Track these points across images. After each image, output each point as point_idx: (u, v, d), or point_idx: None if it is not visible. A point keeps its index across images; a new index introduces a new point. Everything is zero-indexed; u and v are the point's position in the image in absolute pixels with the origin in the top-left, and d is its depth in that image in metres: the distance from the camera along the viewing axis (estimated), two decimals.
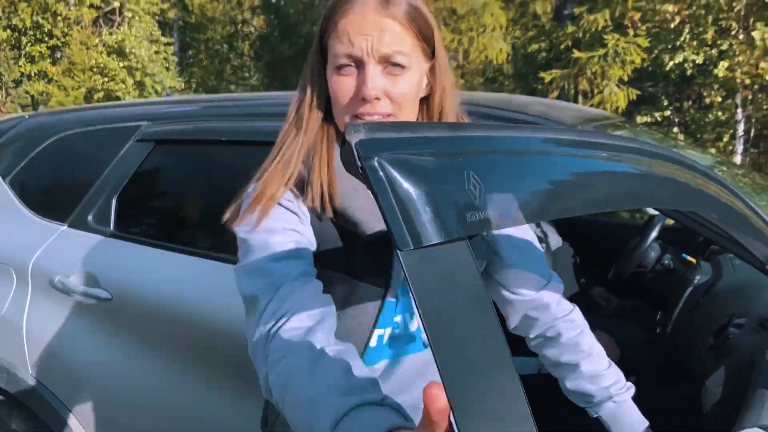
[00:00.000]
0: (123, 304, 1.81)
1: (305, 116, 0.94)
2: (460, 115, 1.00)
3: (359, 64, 0.88)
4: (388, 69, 0.88)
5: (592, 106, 8.51)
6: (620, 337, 2.03)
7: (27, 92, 13.66)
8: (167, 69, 14.50)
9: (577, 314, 1.15)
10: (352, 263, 0.94)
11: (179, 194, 2.08)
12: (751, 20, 7.80)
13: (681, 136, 8.49)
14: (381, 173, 0.51)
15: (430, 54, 0.94)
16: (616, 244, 2.60)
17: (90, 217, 1.94)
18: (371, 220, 0.92)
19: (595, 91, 8.19)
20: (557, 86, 8.27)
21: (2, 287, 1.99)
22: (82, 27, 14.19)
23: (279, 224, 0.89)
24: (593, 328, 2.02)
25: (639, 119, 8.74)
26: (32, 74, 13.87)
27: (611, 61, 7.72)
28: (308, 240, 0.91)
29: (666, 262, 2.31)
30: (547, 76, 8.40)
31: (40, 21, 13.70)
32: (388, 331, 0.99)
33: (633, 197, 0.74)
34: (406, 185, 0.52)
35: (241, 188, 0.97)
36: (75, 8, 13.84)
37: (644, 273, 2.41)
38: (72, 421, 1.93)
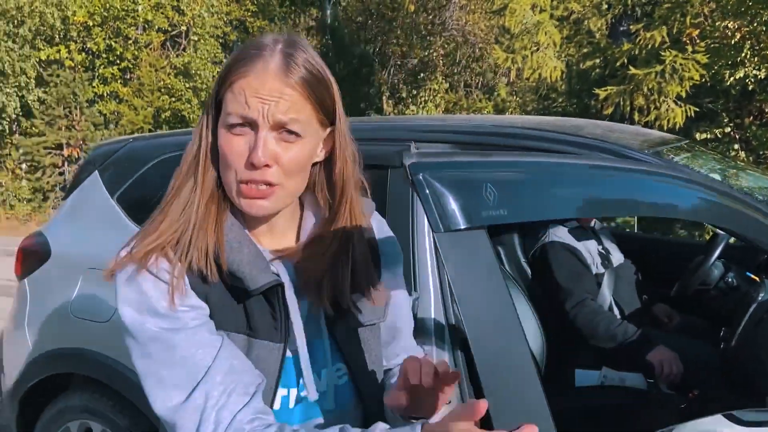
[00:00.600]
0: None
1: (201, 173, 0.89)
2: (358, 178, 0.98)
3: (253, 126, 0.85)
4: (282, 135, 0.86)
5: (647, 122, 8.46)
6: (684, 353, 2.11)
7: (100, 111, 14.46)
8: None
9: None
10: (247, 320, 0.90)
11: None
12: None
13: (742, 154, 8.33)
14: (425, 184, 0.92)
15: (329, 122, 0.92)
16: (678, 261, 2.66)
17: None
18: (256, 274, 0.88)
19: (651, 108, 8.14)
20: (612, 103, 8.25)
21: (112, 294, 2.21)
22: (151, 50, 14.97)
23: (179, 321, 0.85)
24: (657, 343, 2.11)
25: (698, 136, 8.62)
26: (105, 94, 14.69)
27: (669, 77, 7.67)
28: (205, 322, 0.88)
29: (729, 279, 2.37)
30: (602, 93, 8.40)
31: (113, 44, 14.54)
32: (293, 392, 0.94)
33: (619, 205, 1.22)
34: (442, 190, 0.92)
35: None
36: (144, 33, 14.62)
37: (707, 290, 2.48)
38: None
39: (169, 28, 15.42)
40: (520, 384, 0.95)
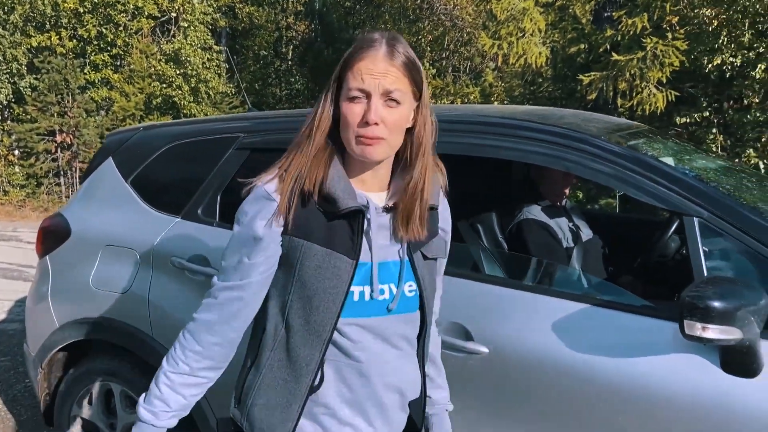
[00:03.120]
0: None
1: (315, 129, 1.24)
2: (434, 142, 1.31)
3: (367, 97, 1.18)
4: (387, 102, 1.18)
5: (630, 107, 8.71)
6: None
7: (92, 98, 14.51)
8: (219, 75, 15.16)
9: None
10: (332, 237, 1.22)
11: None
12: None
13: (720, 138, 8.59)
14: None
15: (419, 96, 1.25)
16: (641, 236, 2.93)
17: (199, 211, 2.38)
18: (347, 199, 1.21)
19: (634, 93, 8.38)
20: (595, 88, 8.48)
21: (129, 267, 2.44)
22: (141, 36, 15.00)
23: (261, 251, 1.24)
24: None
25: (678, 120, 8.88)
26: (96, 81, 14.73)
27: (650, 63, 7.91)
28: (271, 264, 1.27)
29: (684, 251, 2.63)
30: (585, 79, 8.62)
31: (104, 31, 14.55)
32: (367, 289, 1.25)
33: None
34: None
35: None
36: (135, 20, 14.64)
37: (665, 262, 2.75)
38: None
39: (159, 15, 15.43)
40: None
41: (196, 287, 2.27)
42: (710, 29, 7.97)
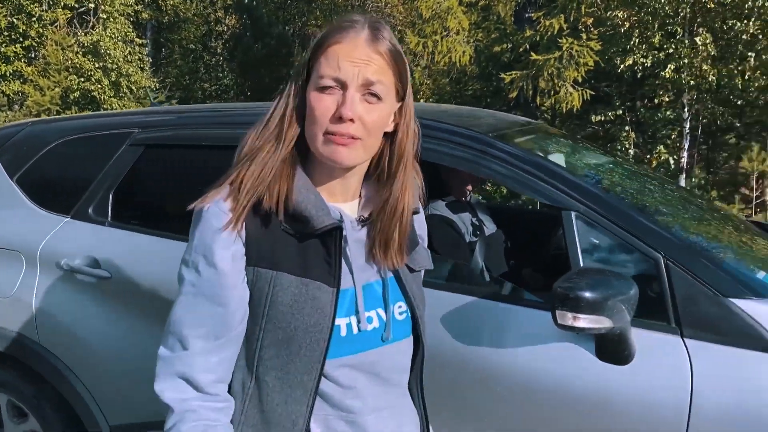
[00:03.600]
0: (120, 282, 2.16)
1: (285, 130, 1.00)
2: (417, 153, 1.10)
3: (342, 87, 0.96)
4: (366, 97, 0.97)
5: (549, 104, 9.01)
6: None
7: (2, 92, 13.71)
8: (142, 69, 14.66)
9: None
10: (304, 262, 1.00)
11: (165, 189, 2.44)
12: (695, 25, 8.35)
13: (633, 134, 8.99)
14: None
15: (402, 96, 1.04)
16: (541, 231, 3.03)
17: (90, 210, 2.29)
18: (322, 216, 0.99)
19: (552, 92, 8.66)
20: (516, 86, 8.72)
21: (13, 270, 2.32)
22: (56, 28, 14.28)
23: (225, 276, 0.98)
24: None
25: (594, 118, 9.24)
26: (7, 74, 13.93)
27: (566, 63, 8.19)
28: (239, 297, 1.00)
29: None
30: (507, 77, 8.85)
31: (15, 22, 13.77)
32: (354, 320, 1.04)
33: None
34: None
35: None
36: (50, 10, 13.93)
37: (561, 254, 2.85)
38: (76, 382, 2.26)
39: (76, 5, 14.75)
40: None
41: (86, 290, 2.19)
42: (623, 31, 8.33)
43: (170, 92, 14.77)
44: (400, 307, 1.09)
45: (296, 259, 1.00)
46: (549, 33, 8.55)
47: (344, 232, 1.03)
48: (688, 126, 8.71)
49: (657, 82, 8.65)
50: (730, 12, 8.18)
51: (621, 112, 9.19)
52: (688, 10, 8.06)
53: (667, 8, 7.92)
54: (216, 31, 18.81)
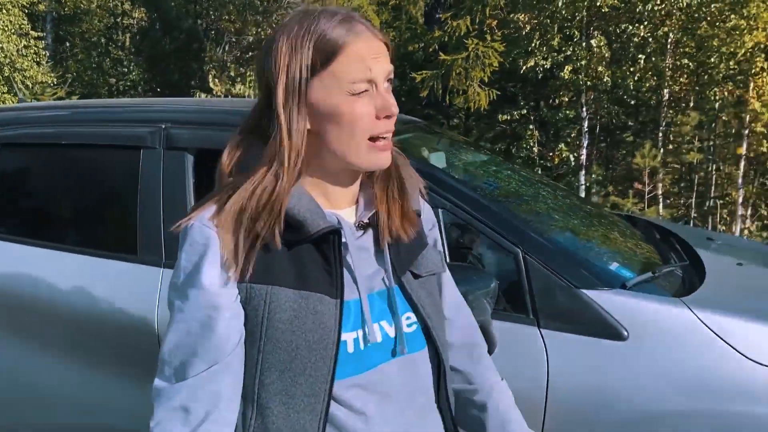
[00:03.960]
0: None
1: (289, 158, 0.89)
2: None
3: (372, 84, 0.91)
4: (386, 86, 0.93)
5: (455, 104, 9.22)
6: None
7: None
8: (38, 64, 13.81)
9: None
10: (299, 269, 0.92)
11: (30, 192, 2.31)
12: (591, 29, 8.79)
13: (537, 133, 9.34)
14: None
15: None
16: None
17: None
18: (317, 219, 0.92)
19: (460, 91, 8.87)
20: (426, 86, 8.86)
21: None
22: None
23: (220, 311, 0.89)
24: None
25: (501, 117, 9.54)
26: None
27: (473, 63, 8.40)
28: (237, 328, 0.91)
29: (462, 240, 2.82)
30: (418, 77, 8.98)
31: None
32: (360, 333, 0.95)
33: None
34: None
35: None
36: None
37: (470, 251, 2.92)
38: None
39: None
40: None
41: None
42: (524, 33, 8.63)
43: (71, 87, 13.99)
44: (408, 318, 0.99)
45: (292, 270, 0.91)
46: (456, 34, 8.74)
47: (343, 238, 0.95)
48: (586, 125, 9.16)
49: (557, 82, 9.04)
50: (623, 16, 8.64)
51: (525, 111, 9.54)
52: (584, 14, 8.45)
53: (564, 12, 8.28)
54: (122, 24, 18.02)
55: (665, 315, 1.70)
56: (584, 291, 1.71)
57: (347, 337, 0.93)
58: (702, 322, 1.67)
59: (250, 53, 14.51)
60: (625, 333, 1.68)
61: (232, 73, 11.61)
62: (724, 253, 2.33)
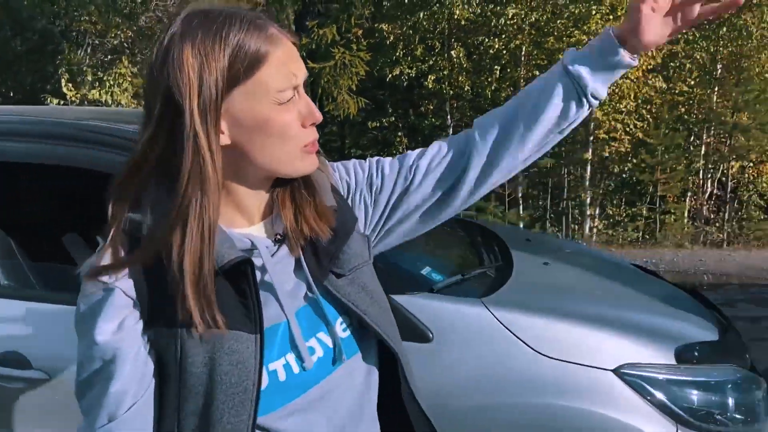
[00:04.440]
0: None
1: (211, 171, 0.80)
2: None
3: (296, 92, 0.85)
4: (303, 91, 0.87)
5: (328, 111, 9.28)
6: None
7: None
8: None
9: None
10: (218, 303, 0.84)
11: None
12: (452, 40, 9.20)
13: (405, 140, 9.61)
14: None
15: None
16: None
17: None
18: (225, 248, 0.83)
19: (330, 99, 8.94)
20: None
21: None
22: None
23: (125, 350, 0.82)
24: None
25: (371, 125, 9.72)
26: None
27: (340, 71, 8.50)
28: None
29: None
30: None
31: None
32: (291, 357, 0.88)
33: None
34: None
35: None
36: None
37: None
38: None
39: None
40: None
41: None
42: (389, 42, 8.86)
43: None
44: (342, 323, 0.94)
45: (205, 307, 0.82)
46: (324, 42, 8.80)
47: (261, 261, 0.87)
48: (452, 132, 9.56)
49: (423, 91, 9.37)
50: (481, 29, 9.12)
51: (394, 118, 9.79)
52: (444, 26, 8.83)
53: (426, 23, 8.60)
54: None
55: (466, 316, 1.81)
56: (392, 296, 1.78)
57: (276, 365, 0.87)
58: (498, 320, 1.80)
59: (112, 56, 13.77)
60: (431, 335, 1.77)
61: (89, 77, 10.90)
62: (536, 253, 2.51)
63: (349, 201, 1.01)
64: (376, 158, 1.07)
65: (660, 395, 1.75)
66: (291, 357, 0.88)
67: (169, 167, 0.80)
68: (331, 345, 0.92)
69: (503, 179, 1.03)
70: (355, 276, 0.94)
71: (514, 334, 1.78)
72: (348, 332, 0.94)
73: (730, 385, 1.86)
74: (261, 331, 0.84)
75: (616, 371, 1.75)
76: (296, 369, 0.88)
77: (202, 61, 0.79)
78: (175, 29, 0.81)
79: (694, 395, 1.80)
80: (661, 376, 1.77)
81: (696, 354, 1.86)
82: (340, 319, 0.93)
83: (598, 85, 0.95)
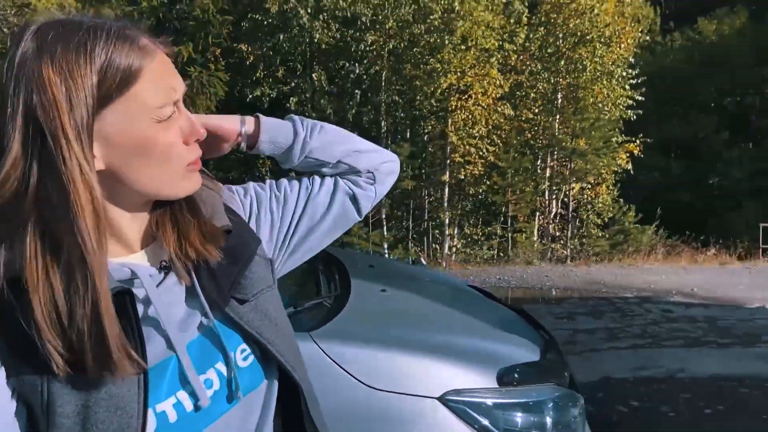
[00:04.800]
0: None
1: (95, 216, 0.71)
2: None
3: (176, 107, 0.77)
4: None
5: None
6: None
7: None
8: None
9: None
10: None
11: None
12: (314, 64, 9.24)
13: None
14: None
15: None
16: None
17: None
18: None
19: None
20: None
21: None
22: None
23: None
24: None
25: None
26: None
27: (197, 91, 8.22)
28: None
29: None
30: None
31: None
32: (183, 395, 0.80)
33: None
34: None
35: None
36: None
37: None
38: None
39: None
40: None
41: None
42: (248, 63, 8.72)
43: None
44: (243, 351, 0.84)
45: (74, 350, 0.71)
46: (180, 60, 8.47)
47: (144, 292, 0.78)
48: None
49: (286, 113, 9.27)
50: (342, 54, 9.26)
51: None
52: (306, 49, 8.85)
53: (286, 46, 8.57)
54: None
55: None
56: None
57: (165, 405, 0.77)
58: (325, 353, 1.76)
59: None
60: None
61: None
62: (377, 280, 2.53)
63: (253, 223, 0.96)
64: (275, 180, 1.05)
65: (484, 420, 1.79)
66: (183, 394, 0.79)
67: (37, 197, 0.70)
68: (227, 378, 0.84)
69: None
70: (258, 302, 0.87)
71: (342, 367, 1.76)
72: (249, 360, 0.86)
73: (550, 404, 1.95)
74: (144, 370, 0.75)
75: (441, 399, 1.77)
76: (189, 407, 0.79)
77: (66, 79, 0.69)
78: (27, 44, 0.70)
79: (518, 417, 1.86)
80: (484, 401, 1.81)
81: (516, 376, 1.93)
82: (241, 347, 0.86)
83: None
